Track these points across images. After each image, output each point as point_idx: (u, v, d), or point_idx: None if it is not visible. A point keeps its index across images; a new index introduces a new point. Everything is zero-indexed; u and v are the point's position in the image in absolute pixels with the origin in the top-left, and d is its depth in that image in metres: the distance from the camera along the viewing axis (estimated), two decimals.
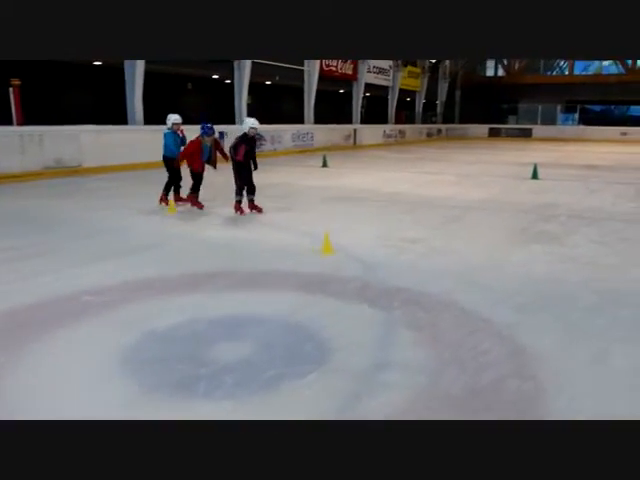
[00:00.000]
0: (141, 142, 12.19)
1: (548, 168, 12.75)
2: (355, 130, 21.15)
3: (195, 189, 7.01)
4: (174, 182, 7.27)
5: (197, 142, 6.75)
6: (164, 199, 7.17)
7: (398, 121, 25.98)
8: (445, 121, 31.34)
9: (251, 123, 6.40)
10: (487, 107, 32.08)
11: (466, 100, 32.89)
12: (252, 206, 6.68)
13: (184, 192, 7.26)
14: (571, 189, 9.32)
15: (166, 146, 7.18)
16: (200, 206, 6.97)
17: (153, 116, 14.87)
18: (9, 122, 10.88)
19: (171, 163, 7.14)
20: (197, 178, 6.97)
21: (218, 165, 7.14)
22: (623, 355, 2.78)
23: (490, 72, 33.66)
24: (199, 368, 2.64)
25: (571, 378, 2.54)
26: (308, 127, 18.81)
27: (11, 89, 10.83)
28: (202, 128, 6.75)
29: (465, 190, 9.09)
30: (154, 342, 2.96)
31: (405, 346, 2.90)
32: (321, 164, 13.05)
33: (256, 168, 6.62)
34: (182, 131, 7.31)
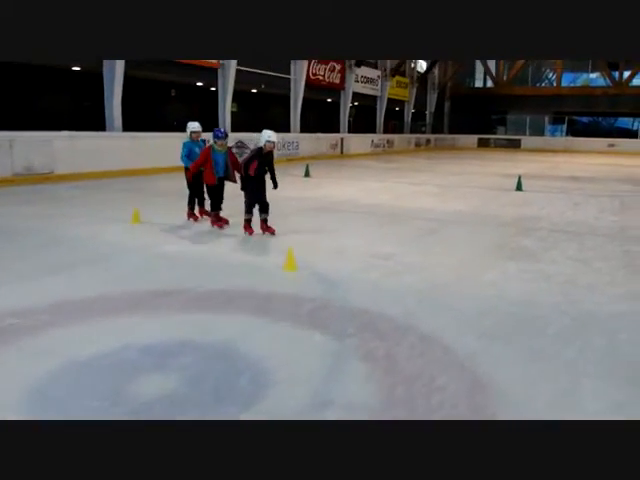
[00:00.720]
0: (119, 149, 11.93)
1: (533, 179, 12.61)
2: (342, 139, 20.99)
3: (213, 206, 6.21)
4: (194, 195, 6.61)
5: (206, 150, 6.05)
6: (191, 214, 6.60)
7: (386, 131, 25.90)
8: (434, 131, 31.37)
9: (267, 136, 5.55)
10: (476, 118, 32.16)
11: (455, 110, 33.01)
12: (264, 227, 5.83)
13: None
14: (555, 201, 9.14)
15: (184, 157, 6.53)
16: (220, 224, 6.19)
17: (136, 123, 14.65)
18: None
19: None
20: (212, 192, 6.15)
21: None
22: (593, 394, 2.50)
23: (479, 83, 33.83)
24: (113, 407, 2.32)
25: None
26: (293, 136, 18.59)
27: None
28: (213, 133, 6.07)
29: (446, 202, 8.87)
30: (71, 374, 2.63)
31: (353, 381, 2.60)
32: (303, 174, 12.80)
33: (275, 187, 5.80)
34: (204, 141, 6.74)
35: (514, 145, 29.72)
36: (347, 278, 4.28)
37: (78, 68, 13.52)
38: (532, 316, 3.51)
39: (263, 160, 5.59)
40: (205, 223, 6.47)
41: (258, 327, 3.26)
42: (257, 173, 5.54)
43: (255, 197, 5.72)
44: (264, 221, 5.81)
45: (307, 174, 12.81)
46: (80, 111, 15.42)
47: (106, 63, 12.32)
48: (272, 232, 5.80)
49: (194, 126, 6.52)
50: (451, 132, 32.32)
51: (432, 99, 31.26)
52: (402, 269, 4.64)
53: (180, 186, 7.05)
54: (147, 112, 17.50)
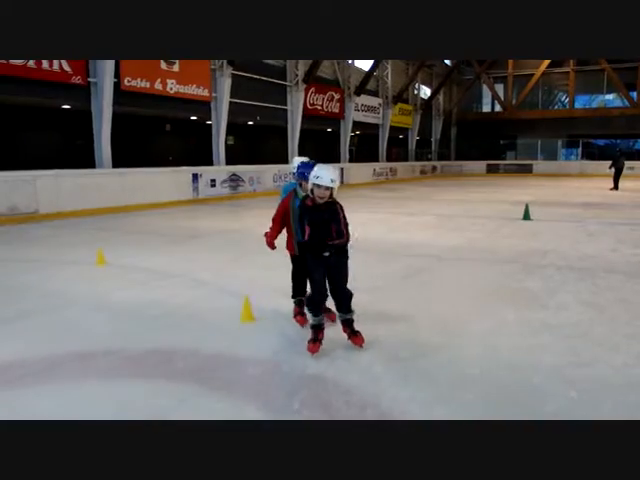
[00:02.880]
0: (106, 186, 11.71)
1: (543, 207, 11.92)
2: (342, 169, 20.62)
3: (295, 290, 3.96)
4: (300, 281, 3.93)
5: (286, 199, 3.75)
6: (299, 313, 3.99)
7: (390, 159, 25.56)
8: (441, 158, 30.99)
9: (315, 176, 3.15)
10: (484, 143, 31.74)
11: (462, 137, 32.69)
12: (348, 333, 3.46)
13: None
14: (566, 232, 8.41)
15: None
16: (303, 321, 3.88)
17: (132, 159, 14.51)
18: None
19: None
20: (295, 267, 3.95)
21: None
22: None
23: (487, 108, 33.58)
24: None
25: None
26: (289, 167, 18.26)
27: None
28: (297, 170, 3.64)
29: (443, 234, 8.20)
30: None
31: None
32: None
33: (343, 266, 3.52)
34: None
35: (525, 170, 29.09)
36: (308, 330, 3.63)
37: (68, 106, 13.52)
38: (526, 387, 2.80)
39: (316, 218, 3.25)
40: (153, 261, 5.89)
41: (183, 401, 2.62)
42: (312, 239, 3.31)
43: (306, 277, 3.67)
44: (346, 324, 3.44)
45: None
46: (72, 149, 15.39)
47: (94, 101, 12.35)
48: (359, 344, 3.38)
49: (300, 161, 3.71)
50: (458, 159, 31.88)
51: (437, 125, 31.03)
52: (377, 318, 3.98)
53: (156, 222, 6.51)
54: (142, 148, 17.46)
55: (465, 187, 20.52)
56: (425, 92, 29.78)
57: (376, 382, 2.88)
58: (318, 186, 3.16)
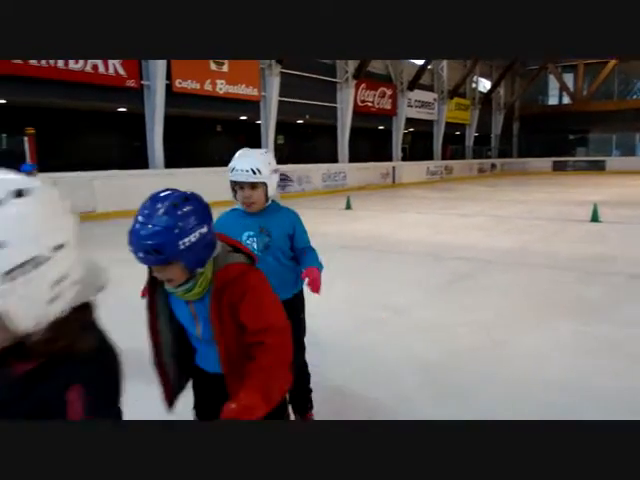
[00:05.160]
0: (159, 185, 11.93)
1: (616, 207, 11.03)
2: (394, 168, 20.23)
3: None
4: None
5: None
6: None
7: (445, 157, 24.80)
8: (501, 155, 29.69)
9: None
10: (551, 139, 30.04)
11: (526, 132, 31.15)
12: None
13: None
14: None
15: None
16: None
17: (184, 159, 15.05)
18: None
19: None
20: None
21: None
22: None
23: (553, 100, 31.80)
24: None
25: None
26: (340, 166, 18.15)
27: (26, 138, 11.22)
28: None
29: (496, 237, 7.75)
30: None
31: None
32: (345, 206, 12.17)
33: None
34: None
35: (597, 167, 27.26)
36: (333, 339, 3.47)
37: (124, 109, 14.18)
38: (576, 413, 2.47)
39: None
40: None
41: None
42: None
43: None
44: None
45: (348, 206, 12.18)
46: (129, 151, 16.19)
47: (147, 103, 12.85)
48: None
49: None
50: (521, 156, 30.40)
51: (498, 120, 29.77)
52: (412, 328, 3.76)
53: None
54: (193, 148, 18.05)
55: (527, 186, 19.50)
56: (484, 85, 28.66)
57: (409, 399, 2.68)
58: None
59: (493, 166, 27.97)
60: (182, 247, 1.23)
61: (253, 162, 2.02)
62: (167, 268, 1.28)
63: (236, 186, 2.08)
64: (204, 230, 1.28)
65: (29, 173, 9.14)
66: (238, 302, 1.35)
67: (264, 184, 2.05)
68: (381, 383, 2.88)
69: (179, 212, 1.25)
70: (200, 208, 1.30)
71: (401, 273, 5.56)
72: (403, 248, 6.95)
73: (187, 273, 1.31)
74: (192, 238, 1.25)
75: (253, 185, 2.04)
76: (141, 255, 1.23)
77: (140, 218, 1.24)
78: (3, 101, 12.05)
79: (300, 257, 2.21)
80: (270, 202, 2.15)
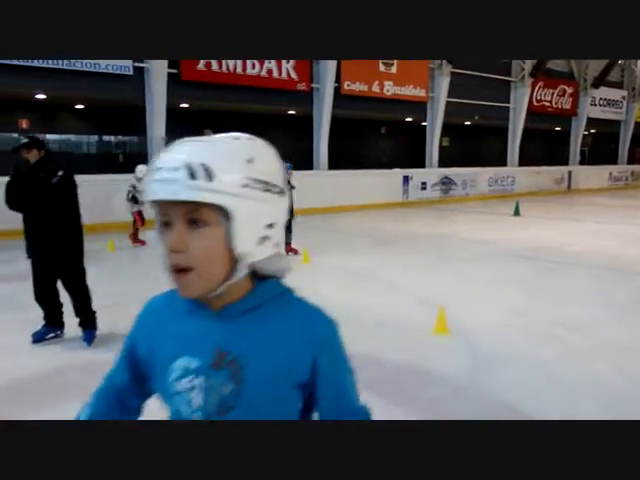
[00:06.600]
0: (322, 186, 12.54)
1: None
2: (570, 172, 18.66)
3: None
4: None
5: None
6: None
7: (632, 161, 21.91)
8: None
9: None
10: None
11: None
12: None
13: None
14: None
15: None
16: None
17: (346, 160, 15.58)
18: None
19: None
20: None
21: None
22: None
23: None
24: None
25: None
26: (508, 170, 17.39)
27: None
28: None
29: None
30: None
31: None
32: (512, 212, 11.81)
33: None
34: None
35: None
36: (508, 353, 3.54)
37: (293, 112, 15.17)
38: None
39: None
40: None
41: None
42: None
43: None
44: None
45: (517, 212, 11.78)
46: (299, 151, 17.65)
47: (316, 105, 13.43)
48: None
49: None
50: None
51: None
52: (590, 349, 3.63)
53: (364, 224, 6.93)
54: (357, 149, 18.83)
55: None
56: None
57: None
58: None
59: None
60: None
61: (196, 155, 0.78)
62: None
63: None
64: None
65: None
66: None
67: (222, 214, 0.75)
68: (554, 408, 2.78)
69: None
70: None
71: (575, 287, 5.42)
72: (582, 260, 6.67)
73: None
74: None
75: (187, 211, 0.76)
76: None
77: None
78: (186, 105, 13.13)
79: None
80: (263, 283, 0.84)
